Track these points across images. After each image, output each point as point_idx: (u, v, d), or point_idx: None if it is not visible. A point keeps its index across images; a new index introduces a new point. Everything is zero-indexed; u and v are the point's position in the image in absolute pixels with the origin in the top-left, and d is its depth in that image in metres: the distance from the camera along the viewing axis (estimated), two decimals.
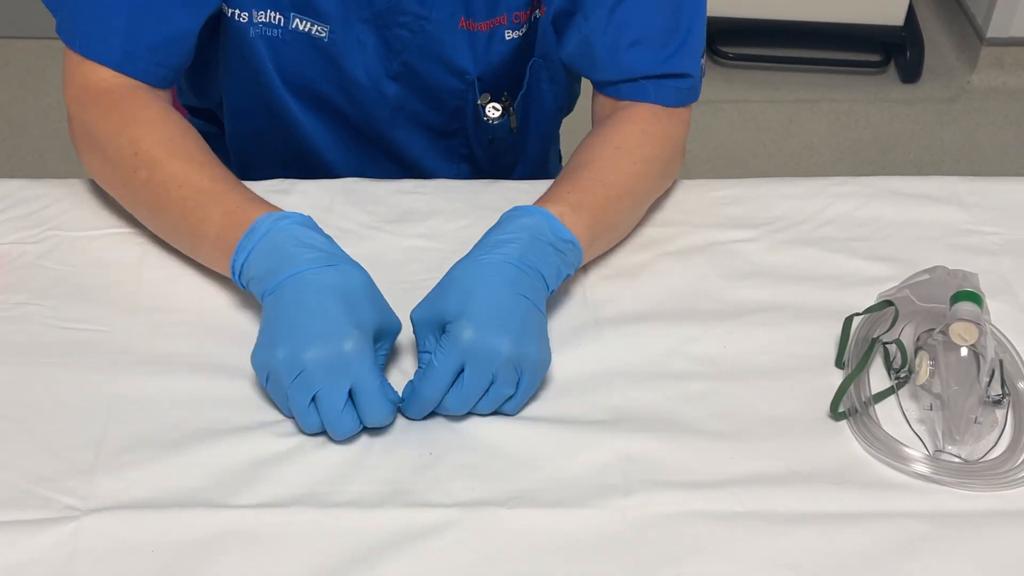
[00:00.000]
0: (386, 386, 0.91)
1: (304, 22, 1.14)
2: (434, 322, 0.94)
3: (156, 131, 1.05)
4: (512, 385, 0.92)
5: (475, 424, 0.94)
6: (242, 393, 0.95)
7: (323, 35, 1.15)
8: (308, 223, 0.98)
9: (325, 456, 0.91)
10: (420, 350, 0.96)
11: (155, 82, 1.10)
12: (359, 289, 0.93)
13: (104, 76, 1.08)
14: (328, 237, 0.98)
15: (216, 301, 1.03)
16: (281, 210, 0.99)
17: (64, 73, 1.10)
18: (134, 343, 0.99)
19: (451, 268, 0.96)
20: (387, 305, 0.96)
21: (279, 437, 0.92)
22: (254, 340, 0.98)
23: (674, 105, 1.16)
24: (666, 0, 1.13)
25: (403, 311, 0.98)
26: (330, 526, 0.85)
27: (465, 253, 0.98)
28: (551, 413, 0.95)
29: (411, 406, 0.93)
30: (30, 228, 1.10)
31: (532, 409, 0.95)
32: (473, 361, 0.91)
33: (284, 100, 1.21)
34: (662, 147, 1.13)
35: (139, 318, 1.01)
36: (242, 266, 0.96)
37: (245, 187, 1.03)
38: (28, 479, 0.87)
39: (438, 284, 0.96)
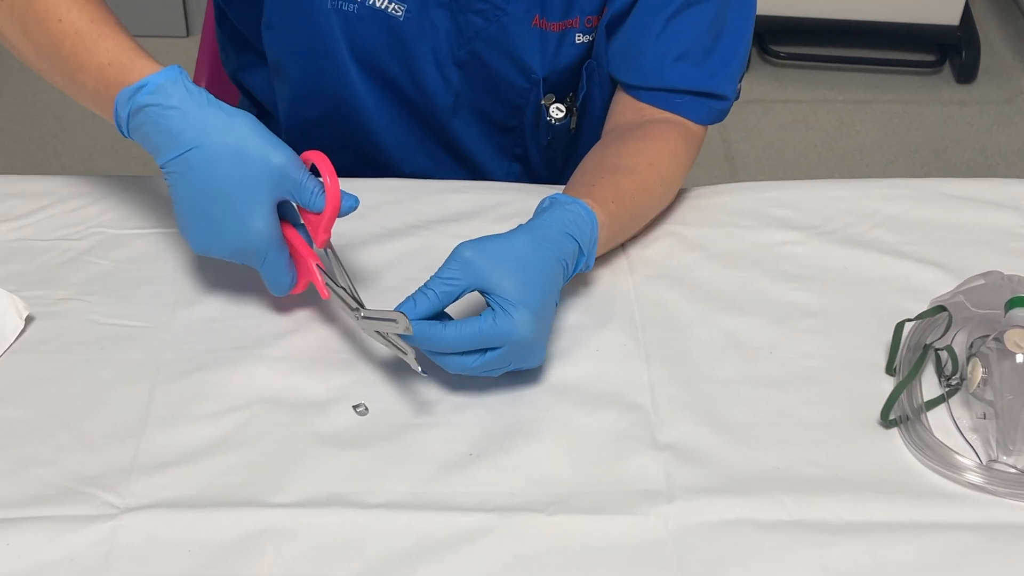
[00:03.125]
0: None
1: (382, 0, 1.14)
2: (481, 275, 0.91)
3: None
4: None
5: (516, 425, 0.93)
6: (281, 391, 0.95)
7: (399, 14, 1.15)
8: (167, 86, 0.94)
9: (363, 455, 0.90)
10: (447, 282, 0.92)
11: None
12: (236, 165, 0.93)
13: None
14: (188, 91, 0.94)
15: (256, 302, 1.02)
16: (149, 65, 0.95)
17: None
18: (174, 340, 0.98)
19: (512, 237, 0.95)
20: (262, 147, 0.94)
21: (318, 435, 0.91)
22: (295, 341, 0.99)
23: (701, 122, 1.18)
24: (714, 20, 1.15)
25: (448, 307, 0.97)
26: (367, 528, 0.85)
27: None
28: (594, 417, 0.94)
29: (427, 339, 0.90)
30: (73, 225, 1.10)
31: (575, 413, 0.94)
32: (515, 355, 0.91)
33: (351, 79, 1.20)
34: (682, 172, 1.15)
35: (180, 315, 1.01)
36: (127, 131, 0.96)
37: (121, 32, 0.98)
38: (67, 476, 0.87)
39: (499, 240, 0.94)
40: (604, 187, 1.06)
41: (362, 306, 0.94)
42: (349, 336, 1.00)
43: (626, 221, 1.08)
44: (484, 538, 0.84)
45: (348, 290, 0.96)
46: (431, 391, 0.95)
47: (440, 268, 0.92)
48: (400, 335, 0.90)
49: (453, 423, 0.93)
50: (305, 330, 1.00)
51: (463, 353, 0.91)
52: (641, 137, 1.14)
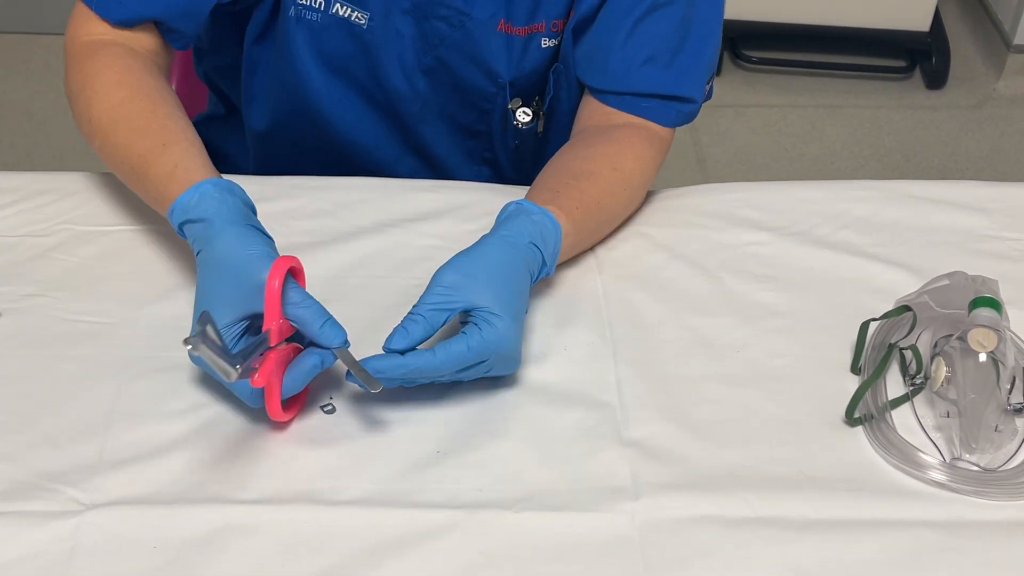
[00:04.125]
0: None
1: (345, 8, 1.14)
2: (466, 296, 0.91)
3: (108, 96, 1.05)
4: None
5: (484, 423, 0.93)
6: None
7: (363, 22, 1.15)
8: (194, 205, 0.94)
9: (330, 452, 0.90)
10: (436, 307, 0.91)
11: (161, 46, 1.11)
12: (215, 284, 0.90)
13: (98, 30, 1.09)
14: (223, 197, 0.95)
15: None
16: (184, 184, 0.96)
17: (71, 17, 1.10)
18: (140, 337, 0.98)
19: (485, 250, 0.95)
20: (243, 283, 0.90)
21: (284, 433, 0.91)
22: None
23: (669, 125, 1.18)
24: (680, 23, 1.15)
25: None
26: (332, 525, 0.84)
27: None
28: (561, 415, 0.94)
29: (420, 369, 0.89)
30: (41, 221, 1.09)
31: (542, 411, 0.94)
32: (497, 364, 0.92)
33: (317, 87, 1.20)
34: (648, 176, 1.15)
35: (147, 312, 1.00)
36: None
37: (165, 156, 0.99)
38: (31, 472, 0.87)
39: (474, 256, 0.94)
40: (569, 194, 1.06)
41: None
42: None
43: (591, 227, 1.08)
44: (450, 535, 0.84)
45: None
46: (398, 390, 0.95)
47: (424, 295, 0.92)
48: (391, 379, 0.89)
49: (420, 421, 0.93)
50: None
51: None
52: (606, 141, 1.14)
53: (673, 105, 1.16)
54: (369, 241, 1.10)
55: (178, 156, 1.00)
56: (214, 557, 0.82)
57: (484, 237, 0.98)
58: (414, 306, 0.92)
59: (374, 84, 1.21)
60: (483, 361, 0.91)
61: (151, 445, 0.89)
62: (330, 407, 0.93)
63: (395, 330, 0.90)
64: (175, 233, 1.07)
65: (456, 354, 0.89)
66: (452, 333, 0.92)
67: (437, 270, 0.93)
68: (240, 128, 1.31)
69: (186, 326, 0.99)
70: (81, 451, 0.88)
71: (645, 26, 1.14)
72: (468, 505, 0.86)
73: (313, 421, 0.92)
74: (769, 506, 0.88)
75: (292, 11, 1.15)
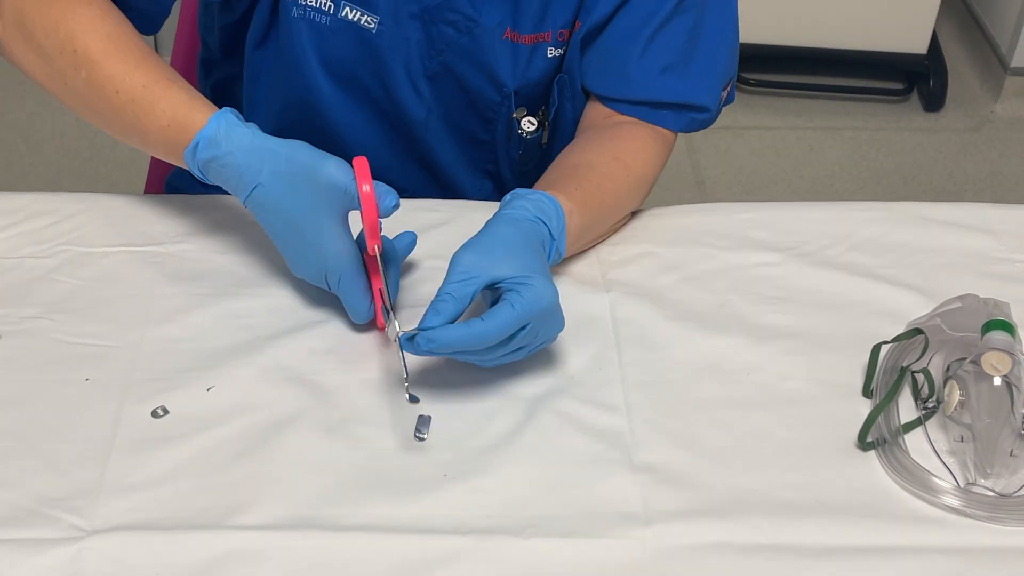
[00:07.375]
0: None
1: (354, 11, 1.14)
2: (487, 270, 0.92)
3: (94, 27, 1.03)
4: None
5: (491, 448, 0.91)
6: (252, 412, 0.93)
7: (371, 26, 1.15)
8: (217, 136, 0.97)
9: (336, 477, 0.88)
10: (462, 285, 0.92)
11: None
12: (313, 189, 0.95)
13: None
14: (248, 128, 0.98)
15: (226, 321, 1.01)
16: (200, 118, 0.98)
17: None
18: (143, 360, 0.97)
19: (494, 229, 0.96)
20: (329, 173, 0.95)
21: (290, 457, 0.90)
22: (265, 361, 0.98)
23: (681, 131, 1.19)
24: (691, 31, 1.15)
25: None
26: (339, 551, 0.83)
27: None
28: (570, 439, 0.93)
29: (470, 338, 0.89)
30: (42, 242, 1.08)
31: (551, 436, 0.93)
32: (542, 325, 0.93)
33: (320, 91, 1.19)
34: (652, 166, 1.16)
35: (149, 335, 0.99)
36: (202, 174, 1.00)
37: (171, 88, 1.01)
38: (32, 498, 0.85)
39: (486, 236, 0.96)
40: (566, 181, 1.07)
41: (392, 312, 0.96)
42: (321, 356, 0.98)
43: (597, 210, 1.08)
44: (459, 562, 0.83)
45: (389, 305, 0.97)
46: (405, 413, 0.93)
47: (447, 277, 0.92)
48: (442, 347, 0.89)
49: (428, 445, 0.91)
50: (275, 350, 0.98)
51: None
52: (607, 137, 1.16)
53: (686, 114, 1.17)
54: None
55: (184, 91, 1.00)
56: None
57: (488, 221, 0.98)
58: (439, 289, 0.92)
59: (380, 90, 1.20)
60: (527, 325, 0.91)
61: (154, 470, 0.88)
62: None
63: (427, 311, 0.90)
64: (177, 255, 1.06)
65: (504, 318, 0.89)
66: (479, 313, 0.91)
67: (453, 255, 0.94)
68: None
69: (189, 348, 0.98)
70: (82, 476, 0.87)
71: (662, 35, 1.14)
72: (477, 531, 0.85)
73: (318, 446, 0.91)
74: (781, 533, 0.86)
75: (295, 12, 1.15)
